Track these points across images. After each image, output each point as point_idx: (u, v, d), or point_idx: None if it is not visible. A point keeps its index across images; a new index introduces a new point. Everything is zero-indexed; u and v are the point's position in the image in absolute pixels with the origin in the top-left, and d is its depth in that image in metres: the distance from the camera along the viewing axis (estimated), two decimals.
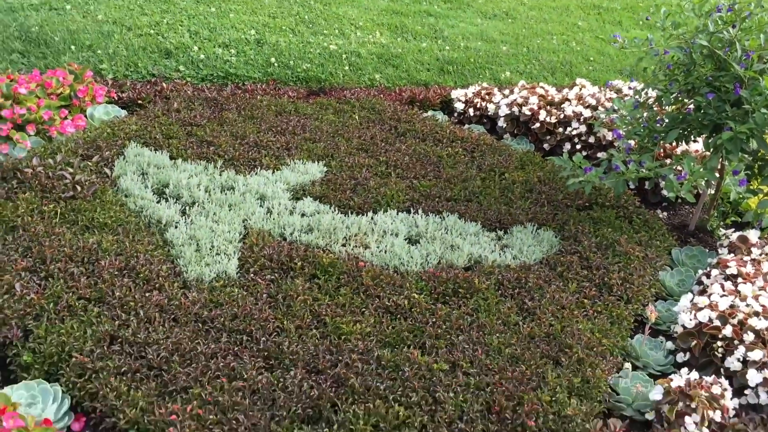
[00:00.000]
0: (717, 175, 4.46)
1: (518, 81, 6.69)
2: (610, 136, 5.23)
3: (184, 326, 3.23)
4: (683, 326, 3.55)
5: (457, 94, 6.08)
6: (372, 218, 4.20)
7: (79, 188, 4.01)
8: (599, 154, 5.27)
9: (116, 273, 3.46)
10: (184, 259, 3.65)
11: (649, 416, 3.11)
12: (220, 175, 4.44)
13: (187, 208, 4.11)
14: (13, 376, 3.00)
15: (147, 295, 3.36)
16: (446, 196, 4.56)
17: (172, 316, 3.28)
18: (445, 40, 7.73)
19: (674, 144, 4.98)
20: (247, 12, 7.64)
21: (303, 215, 4.18)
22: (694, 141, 4.89)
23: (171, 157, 4.60)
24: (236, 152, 4.73)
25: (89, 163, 4.32)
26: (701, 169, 3.94)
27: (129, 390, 2.88)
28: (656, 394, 3.05)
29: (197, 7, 7.57)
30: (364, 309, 3.48)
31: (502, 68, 7.22)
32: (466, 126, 5.81)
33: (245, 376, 3.00)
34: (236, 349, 3.15)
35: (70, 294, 3.29)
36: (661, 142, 4.32)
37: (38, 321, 3.14)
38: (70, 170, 4.14)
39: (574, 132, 5.36)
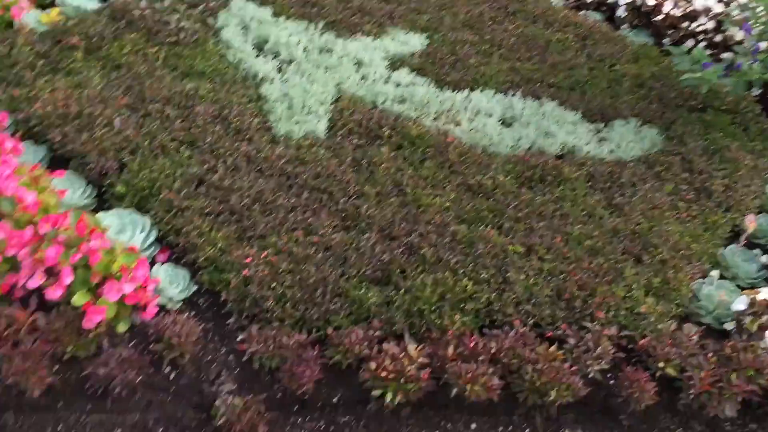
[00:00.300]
0: None
1: None
2: (739, 35, 4.78)
3: (268, 178, 3.30)
4: None
5: None
6: (467, 96, 4.07)
7: (182, 35, 4.06)
8: (723, 56, 4.86)
9: (209, 120, 3.54)
10: (275, 114, 3.68)
11: (728, 326, 2.99)
12: (320, 36, 4.38)
13: (284, 65, 4.10)
14: (107, 205, 3.17)
15: (236, 144, 3.43)
16: (548, 81, 4.34)
17: (258, 168, 3.34)
18: None
19: None
20: None
21: (398, 85, 4.09)
22: None
23: (274, 14, 4.54)
24: (339, 15, 4.63)
25: (194, 12, 4.34)
26: None
27: (210, 230, 2.99)
28: (739, 304, 2.92)
29: None
30: (446, 184, 3.44)
31: None
32: (582, 12, 5.45)
33: (321, 232, 3.05)
34: (315, 206, 3.19)
35: (165, 134, 3.39)
36: None
37: (133, 156, 3.27)
38: (177, 16, 4.18)
39: (700, 28, 4.93)
